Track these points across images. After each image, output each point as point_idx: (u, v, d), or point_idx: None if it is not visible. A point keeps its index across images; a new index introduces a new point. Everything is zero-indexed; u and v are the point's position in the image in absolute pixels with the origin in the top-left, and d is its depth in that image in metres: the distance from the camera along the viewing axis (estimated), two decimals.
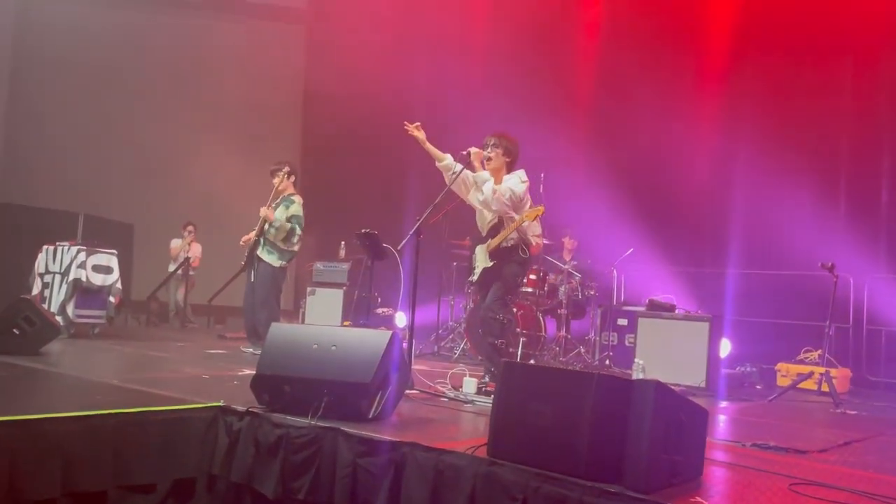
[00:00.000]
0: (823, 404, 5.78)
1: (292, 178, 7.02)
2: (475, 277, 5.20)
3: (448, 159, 5.18)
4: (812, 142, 7.94)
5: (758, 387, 6.77)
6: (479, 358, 6.31)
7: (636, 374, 5.95)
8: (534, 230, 5.42)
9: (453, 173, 5.09)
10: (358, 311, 8.14)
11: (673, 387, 2.85)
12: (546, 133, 8.47)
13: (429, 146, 5.16)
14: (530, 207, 5.15)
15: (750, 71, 8.47)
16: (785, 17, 8.13)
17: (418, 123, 5.13)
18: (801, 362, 6.92)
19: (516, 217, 5.01)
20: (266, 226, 6.80)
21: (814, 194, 7.75)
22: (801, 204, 7.67)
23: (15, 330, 5.32)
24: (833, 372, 6.23)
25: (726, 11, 8.57)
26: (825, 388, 5.97)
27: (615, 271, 8.36)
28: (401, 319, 8.46)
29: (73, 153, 11.96)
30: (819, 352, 6.75)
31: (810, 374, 6.31)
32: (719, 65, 8.64)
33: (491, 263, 5.08)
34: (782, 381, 6.79)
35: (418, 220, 4.86)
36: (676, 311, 6.56)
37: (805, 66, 8.15)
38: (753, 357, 7.36)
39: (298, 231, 6.86)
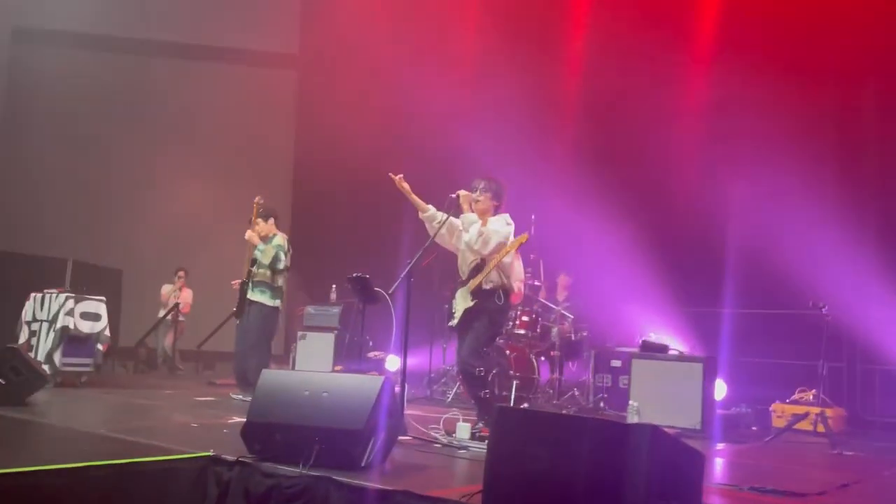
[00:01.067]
0: (820, 445, 5.75)
1: (271, 221, 7.06)
2: (455, 322, 5.17)
3: (431, 210, 5.22)
4: (805, 179, 8.00)
5: (753, 428, 6.72)
6: (473, 402, 6.25)
7: (631, 417, 5.90)
8: (518, 273, 5.36)
9: (438, 223, 5.12)
10: (349, 355, 8.07)
11: (668, 429, 2.83)
12: (537, 172, 8.57)
13: (413, 197, 5.21)
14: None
15: (749, 101, 8.51)
16: (800, 39, 8.14)
17: (401, 175, 5.18)
18: (796, 402, 6.88)
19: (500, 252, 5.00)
20: (254, 268, 6.80)
21: (807, 232, 7.79)
22: (794, 242, 7.70)
23: (1, 380, 5.23)
24: (828, 412, 6.20)
25: (733, 29, 8.62)
26: (821, 428, 5.93)
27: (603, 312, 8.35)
28: (392, 363, 8.38)
29: (61, 199, 11.97)
30: (814, 391, 6.72)
31: (806, 415, 6.28)
32: (717, 92, 8.72)
33: (472, 303, 5.04)
34: (777, 422, 6.75)
35: (409, 263, 4.86)
36: (670, 352, 6.54)
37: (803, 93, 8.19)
38: (748, 397, 7.33)
39: (283, 258, 6.86)
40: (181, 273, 10.70)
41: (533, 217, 7.64)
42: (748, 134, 8.44)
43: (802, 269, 7.55)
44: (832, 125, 8.22)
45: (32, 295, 7.19)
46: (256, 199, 7.02)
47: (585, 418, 2.67)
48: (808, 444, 5.89)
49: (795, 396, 7.01)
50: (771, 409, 6.98)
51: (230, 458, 3.60)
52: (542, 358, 7.87)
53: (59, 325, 6.82)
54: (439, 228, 5.11)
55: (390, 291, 4.91)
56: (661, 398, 6.12)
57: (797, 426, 6.20)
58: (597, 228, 8.77)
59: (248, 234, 6.87)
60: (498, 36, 10.12)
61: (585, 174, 9.07)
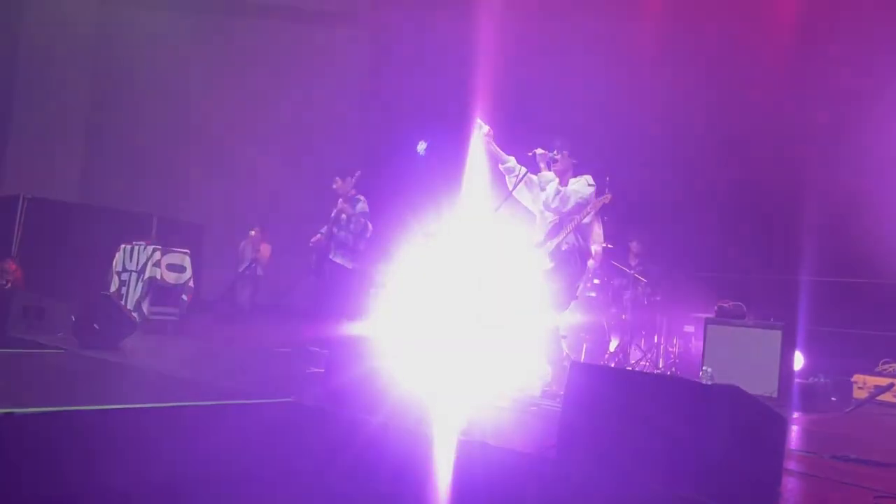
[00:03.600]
0: None
1: (349, 179, 7.15)
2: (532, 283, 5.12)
3: (512, 161, 5.15)
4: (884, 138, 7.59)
5: (833, 398, 6.52)
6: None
7: (704, 382, 5.80)
8: (597, 236, 5.27)
9: (516, 176, 5.07)
10: None
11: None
12: (616, 125, 8.38)
13: (494, 147, 5.14)
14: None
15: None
16: None
17: (489, 129, 5.13)
18: (880, 374, 6.64)
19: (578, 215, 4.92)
20: (335, 229, 6.92)
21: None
22: (884, 207, 7.34)
23: (95, 325, 5.54)
24: None
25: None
26: None
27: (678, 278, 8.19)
28: None
29: (148, 156, 12.41)
30: None
31: (890, 386, 6.05)
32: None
33: (550, 265, 5.00)
34: (859, 394, 6.52)
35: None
36: (747, 319, 6.37)
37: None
38: (828, 368, 7.10)
39: (370, 226, 6.97)
40: (257, 229, 10.98)
41: (607, 178, 7.50)
42: (840, 93, 8.03)
43: (890, 237, 7.22)
44: None
45: (122, 246, 7.53)
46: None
47: (663, 376, 2.64)
48: (892, 416, 5.68)
49: (879, 368, 6.75)
50: (853, 379, 6.75)
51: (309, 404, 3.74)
52: (613, 322, 7.81)
53: (147, 275, 7.15)
54: (517, 182, 5.05)
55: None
56: (736, 365, 5.99)
57: (880, 398, 5.98)
58: (673, 192, 8.56)
59: (340, 202, 6.93)
60: None
61: (663, 135, 8.84)
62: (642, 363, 7.58)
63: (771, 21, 8.69)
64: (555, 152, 5.00)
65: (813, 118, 7.89)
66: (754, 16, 8.66)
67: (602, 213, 7.61)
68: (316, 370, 5.30)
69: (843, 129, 7.71)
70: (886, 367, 6.71)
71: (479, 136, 5.12)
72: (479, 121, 5.13)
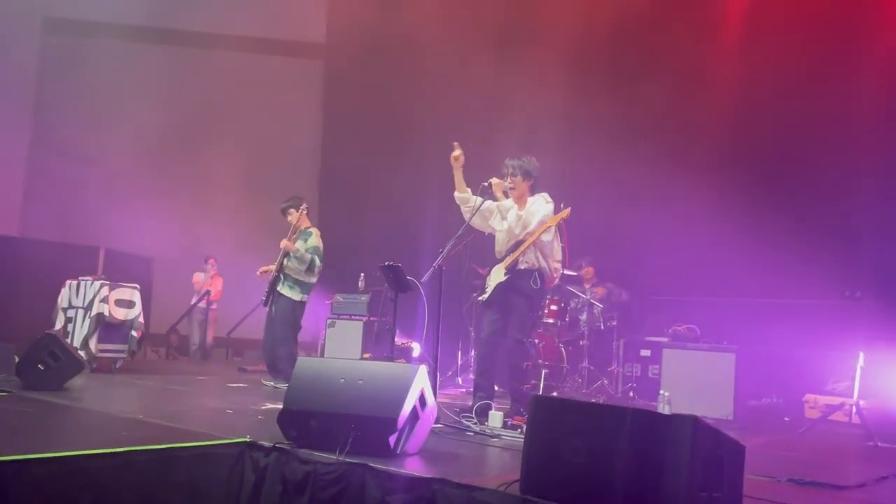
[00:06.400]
0: (855, 437, 5.67)
1: (305, 211, 7.08)
2: (485, 296, 5.14)
3: (468, 193, 5.17)
4: (838, 160, 7.85)
5: (786, 419, 6.65)
6: (501, 390, 6.24)
7: (661, 407, 5.84)
8: (556, 253, 5.30)
9: (470, 207, 5.10)
10: (380, 343, 8.12)
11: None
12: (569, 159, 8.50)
13: (458, 174, 5.13)
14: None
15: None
16: None
17: (460, 152, 5.10)
18: (830, 393, 6.79)
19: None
20: (286, 260, 6.84)
21: (838, 219, 7.67)
22: (823, 232, 7.58)
23: (40, 365, 5.33)
24: (863, 402, 6.10)
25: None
26: (856, 420, 5.85)
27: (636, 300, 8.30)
28: (416, 350, 8.49)
29: (93, 187, 12.11)
30: (847, 382, 6.62)
31: (841, 406, 6.19)
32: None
33: (505, 277, 5.00)
34: (810, 413, 6.67)
35: (441, 251, 4.86)
36: (701, 343, 6.48)
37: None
38: (779, 388, 7.23)
39: (318, 263, 6.90)
40: (212, 261, 10.81)
41: (562, 205, 7.58)
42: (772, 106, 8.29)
43: (832, 258, 7.43)
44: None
45: (68, 282, 7.30)
46: (292, 207, 7.05)
47: (625, 408, 2.65)
48: (844, 435, 5.81)
49: (829, 387, 6.91)
50: (804, 399, 6.90)
51: (267, 444, 3.64)
52: (571, 347, 7.85)
53: (94, 311, 6.92)
54: (471, 216, 5.08)
55: (422, 280, 4.91)
56: (693, 388, 6.08)
57: (832, 417, 6.11)
58: (621, 212, 8.69)
59: (284, 242, 6.86)
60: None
61: (618, 157, 8.98)
62: (604, 385, 7.62)
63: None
64: (508, 179, 5.05)
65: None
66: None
67: (563, 230, 7.70)
68: (271, 406, 5.19)
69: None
70: (836, 385, 6.87)
71: (452, 157, 5.10)
72: (455, 144, 5.12)
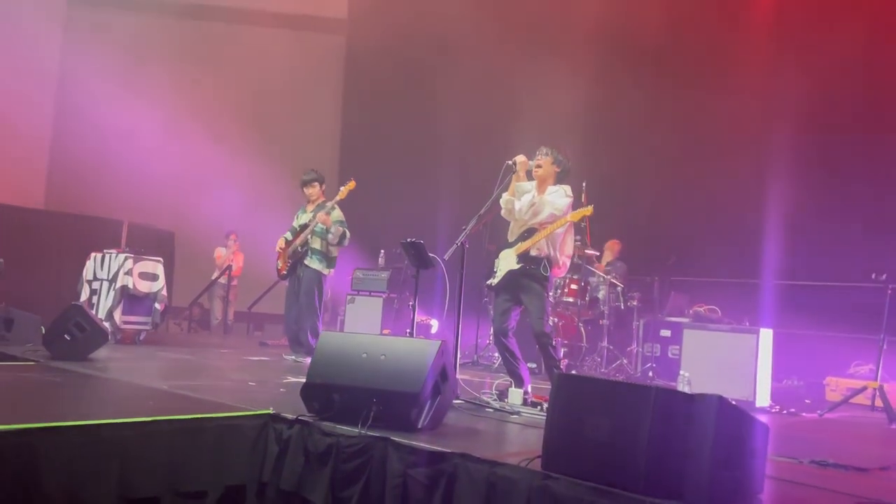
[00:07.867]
0: (877, 420, 5.63)
1: (323, 187, 7.11)
2: (495, 280, 5.09)
3: (515, 199, 5.03)
4: (863, 145, 7.74)
5: (807, 401, 6.62)
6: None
7: (681, 387, 5.84)
8: (567, 248, 5.23)
9: (510, 209, 5.01)
10: (399, 319, 8.18)
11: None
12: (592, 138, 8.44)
13: (516, 178, 4.98)
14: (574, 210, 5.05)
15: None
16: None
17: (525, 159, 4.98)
18: (852, 376, 6.75)
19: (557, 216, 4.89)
20: (313, 234, 6.86)
21: (867, 201, 7.56)
22: (853, 212, 7.48)
23: (66, 336, 5.42)
24: (886, 386, 6.06)
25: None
26: (878, 403, 5.81)
27: (657, 281, 8.27)
28: (434, 327, 8.54)
29: (117, 161, 12.20)
30: (870, 366, 6.57)
31: (863, 389, 6.15)
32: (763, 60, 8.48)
33: (517, 266, 4.96)
34: (831, 396, 6.63)
35: (464, 229, 4.84)
36: (722, 324, 6.45)
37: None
38: (800, 371, 7.19)
39: (348, 234, 6.93)
40: (234, 236, 10.89)
41: (584, 184, 7.54)
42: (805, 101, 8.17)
43: (862, 240, 7.35)
44: None
45: (93, 254, 7.38)
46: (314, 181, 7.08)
47: (649, 387, 2.64)
48: (865, 418, 5.77)
49: (851, 370, 6.87)
50: (825, 382, 6.86)
51: (290, 416, 3.68)
52: (590, 326, 7.85)
53: (118, 284, 7.00)
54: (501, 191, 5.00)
55: (445, 257, 4.90)
56: (712, 369, 6.05)
57: (854, 400, 6.08)
58: (643, 195, 8.64)
59: (321, 215, 6.82)
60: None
61: (640, 137, 8.91)
62: (623, 365, 7.63)
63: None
64: (538, 157, 4.96)
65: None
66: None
67: (587, 226, 7.67)
68: (293, 380, 5.25)
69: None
70: (857, 369, 6.82)
71: (518, 162, 4.95)
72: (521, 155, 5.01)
